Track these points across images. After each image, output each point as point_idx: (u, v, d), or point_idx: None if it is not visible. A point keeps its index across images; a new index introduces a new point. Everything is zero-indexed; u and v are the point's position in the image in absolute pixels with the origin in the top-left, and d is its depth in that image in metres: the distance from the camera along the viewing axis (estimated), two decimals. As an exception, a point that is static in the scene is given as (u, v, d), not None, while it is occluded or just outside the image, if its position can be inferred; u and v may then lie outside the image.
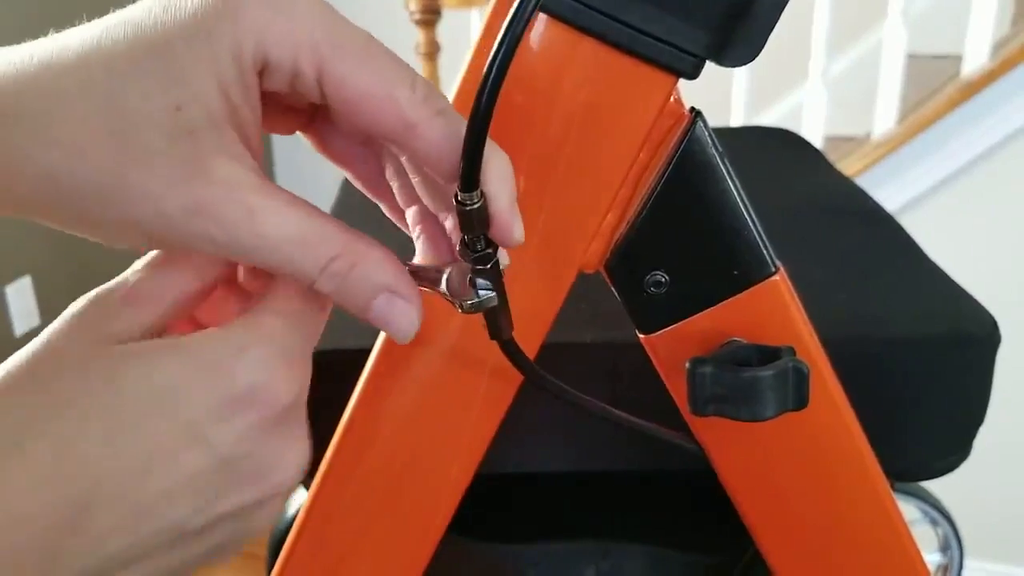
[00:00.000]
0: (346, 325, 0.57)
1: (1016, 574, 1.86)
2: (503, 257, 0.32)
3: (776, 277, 0.39)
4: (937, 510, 0.76)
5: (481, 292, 0.32)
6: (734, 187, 0.38)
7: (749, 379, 0.37)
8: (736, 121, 1.88)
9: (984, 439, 0.59)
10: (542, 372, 0.39)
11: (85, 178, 0.27)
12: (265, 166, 0.30)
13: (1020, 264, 1.72)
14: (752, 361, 0.38)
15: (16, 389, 0.27)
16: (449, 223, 0.34)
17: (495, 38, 0.28)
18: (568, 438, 0.57)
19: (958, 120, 1.67)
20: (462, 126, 0.29)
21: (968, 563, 0.80)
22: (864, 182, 1.67)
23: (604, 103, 0.36)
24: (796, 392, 0.37)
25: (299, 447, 0.30)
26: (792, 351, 0.38)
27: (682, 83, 0.37)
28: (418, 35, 1.90)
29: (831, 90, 1.81)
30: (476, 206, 0.30)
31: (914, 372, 0.55)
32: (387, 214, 0.37)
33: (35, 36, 0.29)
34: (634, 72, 0.35)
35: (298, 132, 0.35)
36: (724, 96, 1.82)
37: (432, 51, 1.92)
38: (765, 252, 0.38)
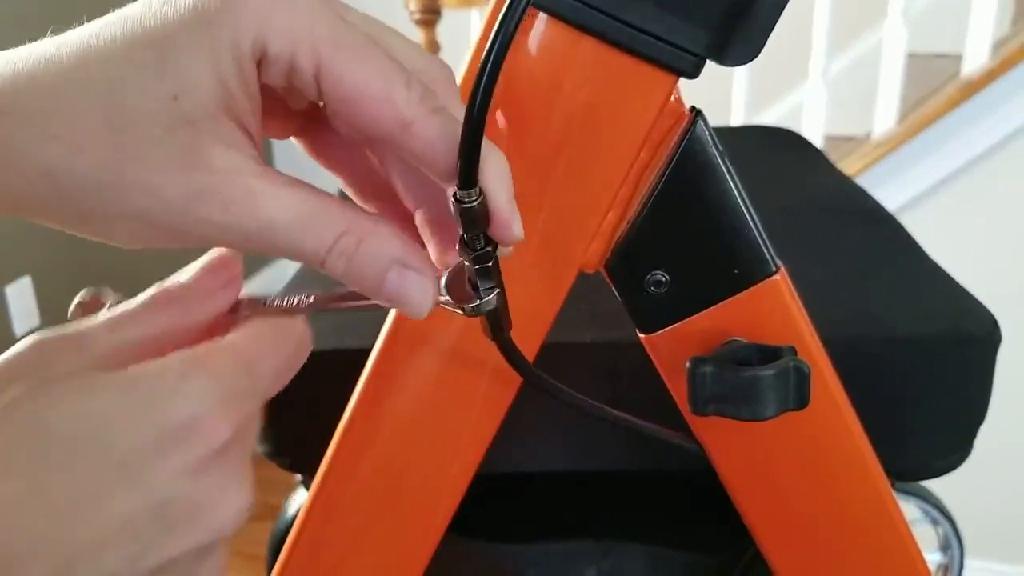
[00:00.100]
0: (346, 325, 0.58)
1: (1017, 573, 1.86)
2: (503, 252, 0.32)
3: (777, 276, 0.39)
4: (937, 509, 0.76)
5: (483, 292, 0.32)
6: (735, 186, 0.38)
7: (750, 379, 0.36)
8: (736, 120, 1.87)
9: (984, 438, 0.59)
10: (539, 372, 0.39)
11: (84, 171, 0.27)
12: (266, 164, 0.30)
13: (1021, 263, 1.72)
14: (753, 361, 0.38)
15: None
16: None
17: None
18: (568, 438, 0.57)
19: (958, 119, 1.67)
20: (457, 125, 0.29)
21: (968, 562, 0.80)
22: (864, 182, 1.67)
23: (604, 102, 0.36)
24: (797, 392, 0.37)
25: (239, 489, 0.28)
26: (793, 351, 0.38)
27: (682, 82, 0.37)
28: (418, 35, 1.90)
29: (831, 89, 1.81)
30: (475, 204, 0.30)
31: (915, 371, 0.55)
32: None
33: (35, 36, 0.29)
34: (634, 71, 0.35)
35: (292, 138, 0.35)
36: (724, 95, 1.82)
37: (432, 51, 1.91)
38: (766, 251, 0.38)
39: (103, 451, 0.25)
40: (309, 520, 0.45)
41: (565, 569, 0.63)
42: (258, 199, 0.28)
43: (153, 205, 0.28)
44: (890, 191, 1.73)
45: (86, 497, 0.25)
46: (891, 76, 1.74)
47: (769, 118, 2.28)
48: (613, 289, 0.40)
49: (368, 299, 0.32)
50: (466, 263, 0.32)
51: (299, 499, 0.70)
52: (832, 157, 0.94)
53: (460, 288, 0.33)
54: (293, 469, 0.60)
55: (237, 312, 0.32)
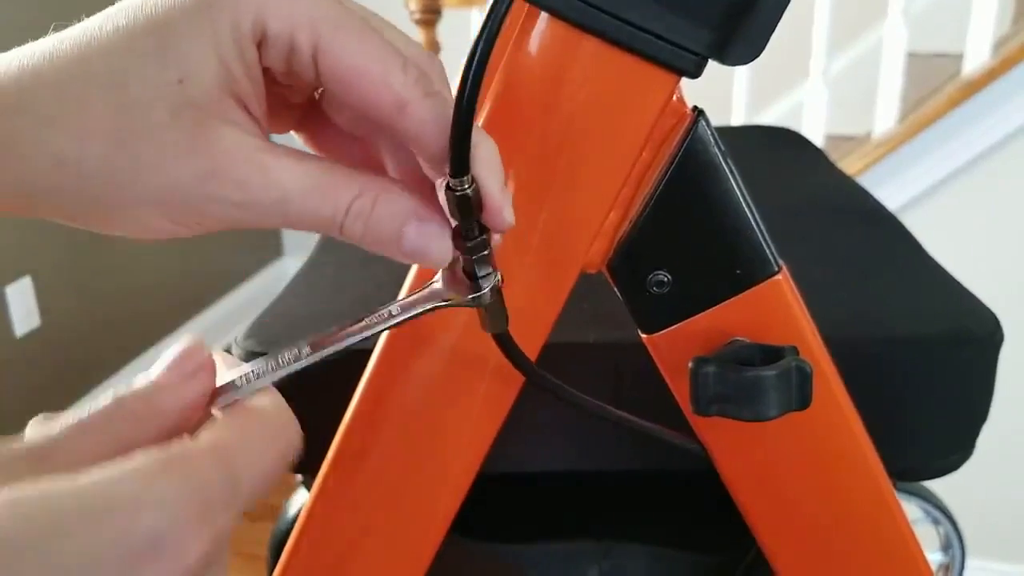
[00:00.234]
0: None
1: (1017, 573, 1.86)
2: (495, 240, 0.33)
3: (779, 276, 0.39)
4: (939, 509, 0.76)
5: (482, 282, 0.32)
6: (737, 186, 0.38)
7: (752, 379, 0.36)
8: (737, 120, 1.87)
9: (986, 438, 0.59)
10: (540, 370, 0.39)
11: (96, 157, 0.28)
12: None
13: (1021, 263, 1.72)
14: (755, 361, 0.38)
15: None
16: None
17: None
18: (569, 438, 0.57)
19: (959, 119, 1.67)
20: (450, 109, 0.30)
21: (969, 562, 0.80)
22: (865, 181, 1.67)
23: (606, 102, 0.36)
24: (799, 392, 0.37)
25: None
26: (795, 351, 0.38)
27: (682, 81, 0.36)
28: (418, 34, 1.90)
29: (831, 89, 1.80)
30: (467, 191, 0.30)
31: (916, 371, 0.55)
32: None
33: (36, 36, 0.29)
34: (636, 71, 0.35)
35: (292, 133, 0.35)
36: (725, 95, 1.82)
37: (432, 51, 1.91)
38: (768, 251, 0.38)
39: (52, 568, 0.21)
40: (310, 521, 0.45)
41: (566, 569, 0.63)
42: (271, 173, 0.28)
43: (167, 187, 0.28)
44: (890, 191, 1.73)
45: None
46: (891, 75, 1.73)
47: (769, 117, 2.28)
48: (615, 289, 0.40)
49: (358, 333, 0.31)
50: (461, 254, 0.32)
51: (300, 500, 0.70)
52: (832, 157, 0.94)
53: (457, 280, 0.33)
54: (294, 470, 0.60)
55: (214, 403, 0.29)
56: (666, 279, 0.39)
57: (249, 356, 0.56)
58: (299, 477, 0.68)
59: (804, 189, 0.81)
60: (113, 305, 2.25)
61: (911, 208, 1.75)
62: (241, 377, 0.29)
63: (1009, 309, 0.66)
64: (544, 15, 0.35)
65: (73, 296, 2.13)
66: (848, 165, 1.72)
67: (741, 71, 1.84)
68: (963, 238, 1.73)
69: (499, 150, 0.32)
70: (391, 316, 0.32)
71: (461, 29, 1.89)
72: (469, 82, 0.29)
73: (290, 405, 0.29)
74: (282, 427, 0.27)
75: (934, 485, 0.72)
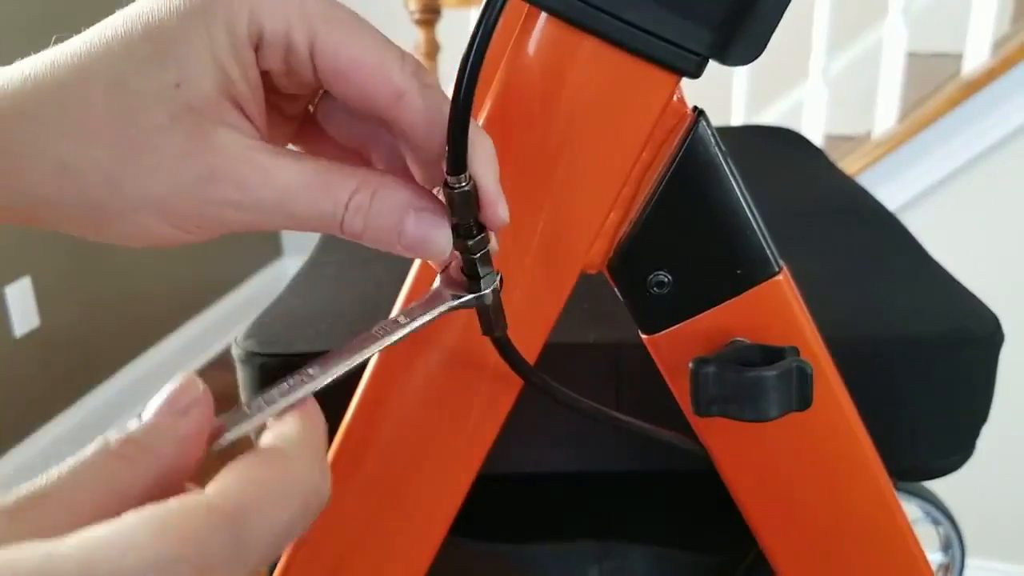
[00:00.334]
0: (346, 327, 0.57)
1: (1017, 573, 1.86)
2: (492, 243, 0.33)
3: (779, 277, 0.39)
4: (939, 509, 0.76)
5: (483, 282, 0.33)
6: (737, 186, 0.37)
7: (753, 379, 0.36)
8: (736, 120, 1.87)
9: (986, 438, 0.59)
10: (538, 372, 0.39)
11: (96, 164, 0.28)
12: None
13: (1021, 263, 1.72)
14: (756, 361, 0.37)
15: None
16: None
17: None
18: (569, 438, 0.57)
19: (958, 119, 1.67)
20: (447, 103, 0.30)
21: (969, 561, 0.80)
22: (864, 181, 1.66)
23: (606, 102, 0.36)
24: (800, 392, 0.37)
25: None
26: (796, 351, 0.38)
27: (682, 81, 0.36)
28: (418, 35, 1.90)
29: (831, 89, 1.80)
30: (465, 189, 0.30)
31: (916, 371, 0.55)
32: None
33: (36, 36, 0.30)
34: (636, 71, 0.35)
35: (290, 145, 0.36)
36: (724, 95, 1.82)
37: (432, 50, 1.91)
38: (768, 251, 0.38)
39: None
40: (310, 521, 0.44)
41: (567, 569, 0.63)
42: (269, 172, 0.29)
43: (168, 190, 0.28)
44: (890, 190, 1.73)
45: None
46: (891, 75, 1.73)
47: (769, 117, 2.28)
48: (615, 290, 0.40)
49: (369, 347, 0.30)
50: (461, 254, 0.32)
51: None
52: (832, 156, 0.94)
53: (455, 283, 0.33)
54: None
55: (219, 437, 0.26)
56: (666, 279, 0.39)
57: (249, 356, 0.56)
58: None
59: (804, 189, 0.81)
60: (113, 306, 2.25)
61: (911, 208, 1.75)
62: (253, 403, 0.27)
63: (1009, 309, 0.66)
64: (544, 15, 0.35)
65: (72, 296, 2.12)
66: (848, 165, 1.72)
67: (741, 71, 1.84)
68: (963, 238, 1.73)
69: (499, 150, 0.32)
70: (399, 325, 0.32)
71: (460, 29, 1.88)
72: (465, 78, 0.29)
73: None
74: (302, 477, 0.24)
75: (934, 485, 0.72)
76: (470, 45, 0.29)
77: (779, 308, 0.39)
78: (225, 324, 2.61)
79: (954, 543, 0.79)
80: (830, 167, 0.87)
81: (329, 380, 0.29)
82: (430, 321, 0.32)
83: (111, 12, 0.30)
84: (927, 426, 0.57)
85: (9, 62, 0.30)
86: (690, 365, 0.37)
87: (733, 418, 0.37)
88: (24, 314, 2.00)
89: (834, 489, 0.43)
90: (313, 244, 0.74)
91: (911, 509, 0.74)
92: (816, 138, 1.78)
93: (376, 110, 0.30)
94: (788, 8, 0.34)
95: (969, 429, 0.58)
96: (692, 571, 0.63)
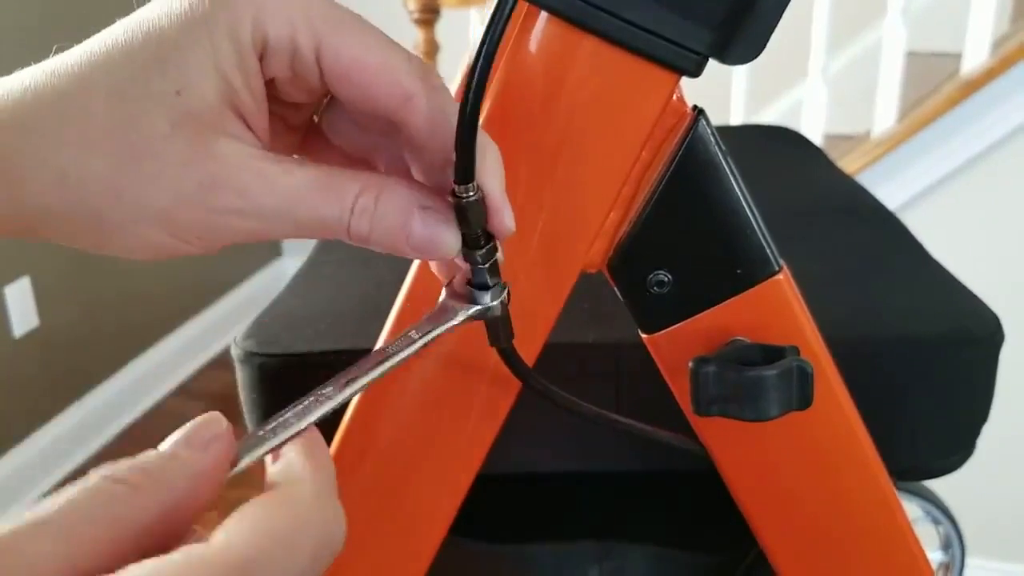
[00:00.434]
0: (346, 327, 0.57)
1: (1017, 572, 1.86)
2: (499, 254, 0.33)
3: (779, 276, 0.39)
4: (939, 508, 0.76)
5: (492, 292, 0.32)
6: (737, 186, 0.37)
7: (753, 379, 0.36)
8: (736, 119, 1.87)
9: (986, 438, 0.59)
10: (542, 379, 0.39)
11: (97, 174, 0.28)
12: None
13: (1021, 263, 1.72)
14: (756, 360, 0.37)
15: None
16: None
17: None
18: (569, 438, 0.57)
19: (958, 118, 1.67)
20: (454, 105, 0.29)
21: (969, 561, 0.80)
22: (864, 180, 1.67)
23: (606, 101, 0.36)
24: (800, 392, 0.37)
25: None
26: (796, 350, 0.38)
27: (681, 81, 0.36)
28: (417, 34, 1.90)
29: (831, 88, 1.80)
30: (473, 198, 0.30)
31: (917, 371, 0.55)
32: None
33: (37, 37, 0.29)
34: (636, 70, 0.35)
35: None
36: (724, 94, 1.82)
37: (431, 50, 1.91)
38: (768, 251, 0.38)
39: None
40: (310, 521, 0.44)
41: (567, 569, 0.63)
42: (271, 178, 0.28)
43: (169, 200, 0.28)
44: (890, 190, 1.73)
45: None
46: (891, 74, 1.73)
47: (769, 116, 2.28)
48: (615, 289, 0.40)
49: (383, 364, 0.30)
50: (471, 264, 0.32)
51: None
52: (832, 156, 0.94)
53: (460, 295, 0.33)
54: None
55: (232, 468, 0.25)
56: (666, 279, 0.39)
57: (248, 356, 0.56)
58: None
59: (804, 188, 0.81)
60: (112, 306, 2.25)
61: (910, 207, 1.75)
62: (267, 428, 0.26)
63: (1009, 309, 0.66)
64: (544, 14, 0.35)
65: (72, 296, 2.12)
66: (847, 164, 1.72)
67: (740, 70, 1.84)
68: (963, 237, 1.73)
69: (499, 150, 0.32)
70: (412, 341, 0.31)
71: (460, 29, 1.89)
72: (473, 87, 0.28)
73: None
74: (314, 522, 0.23)
75: (934, 485, 0.72)
76: (478, 54, 0.29)
77: (779, 307, 0.39)
78: (224, 324, 2.61)
79: (954, 542, 0.79)
80: (830, 166, 0.87)
81: (345, 399, 0.28)
82: (442, 333, 0.32)
83: (113, 20, 0.29)
84: (927, 426, 0.57)
85: (9, 69, 0.29)
86: (690, 364, 0.37)
87: (733, 417, 0.37)
88: (23, 314, 2.00)
89: (834, 488, 0.43)
90: (312, 244, 0.74)
91: (911, 508, 0.74)
92: (815, 137, 1.78)
93: (384, 113, 0.30)
94: (787, 7, 0.34)
95: (969, 429, 0.58)
96: (692, 571, 0.63)
